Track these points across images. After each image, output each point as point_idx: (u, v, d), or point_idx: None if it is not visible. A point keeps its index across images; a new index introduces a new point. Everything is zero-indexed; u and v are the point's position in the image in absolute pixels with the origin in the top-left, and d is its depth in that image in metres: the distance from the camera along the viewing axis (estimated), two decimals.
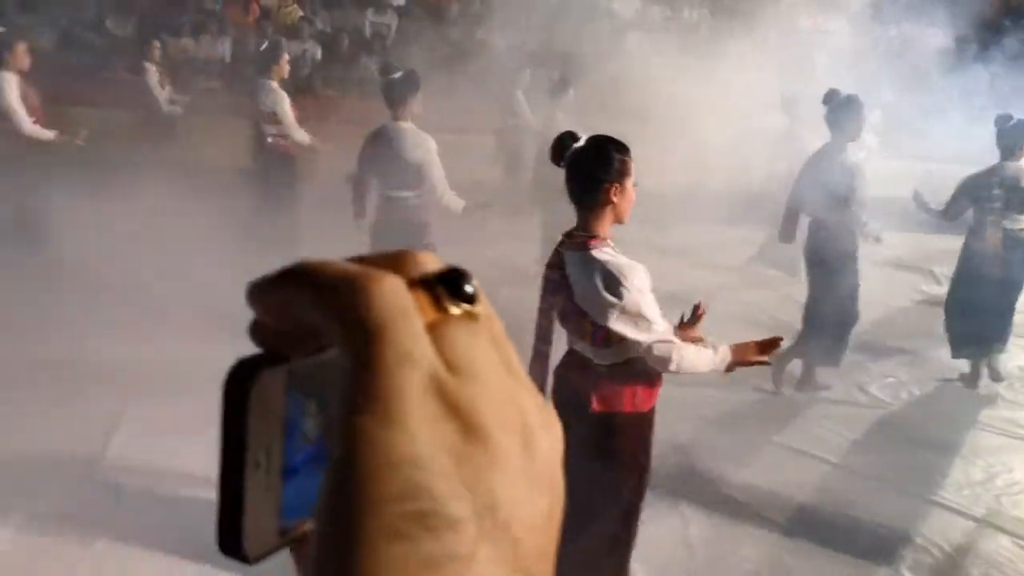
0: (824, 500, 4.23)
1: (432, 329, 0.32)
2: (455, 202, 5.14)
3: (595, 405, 2.66)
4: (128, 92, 8.89)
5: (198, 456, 4.06)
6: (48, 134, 6.32)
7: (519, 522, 0.32)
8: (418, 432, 0.31)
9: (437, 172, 5.01)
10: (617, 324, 2.56)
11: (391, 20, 12.06)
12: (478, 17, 12.06)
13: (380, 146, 5.04)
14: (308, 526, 0.35)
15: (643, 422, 2.75)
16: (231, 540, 0.33)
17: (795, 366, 5.44)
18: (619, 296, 2.55)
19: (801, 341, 5.37)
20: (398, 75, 5.03)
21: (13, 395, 4.63)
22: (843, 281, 5.22)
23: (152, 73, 7.90)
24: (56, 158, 6.38)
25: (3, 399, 4.58)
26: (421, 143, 4.97)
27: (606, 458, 2.67)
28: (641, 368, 2.63)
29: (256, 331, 0.36)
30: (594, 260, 2.59)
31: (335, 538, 0.30)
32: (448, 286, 0.34)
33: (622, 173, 2.65)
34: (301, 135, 6.54)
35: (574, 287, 2.63)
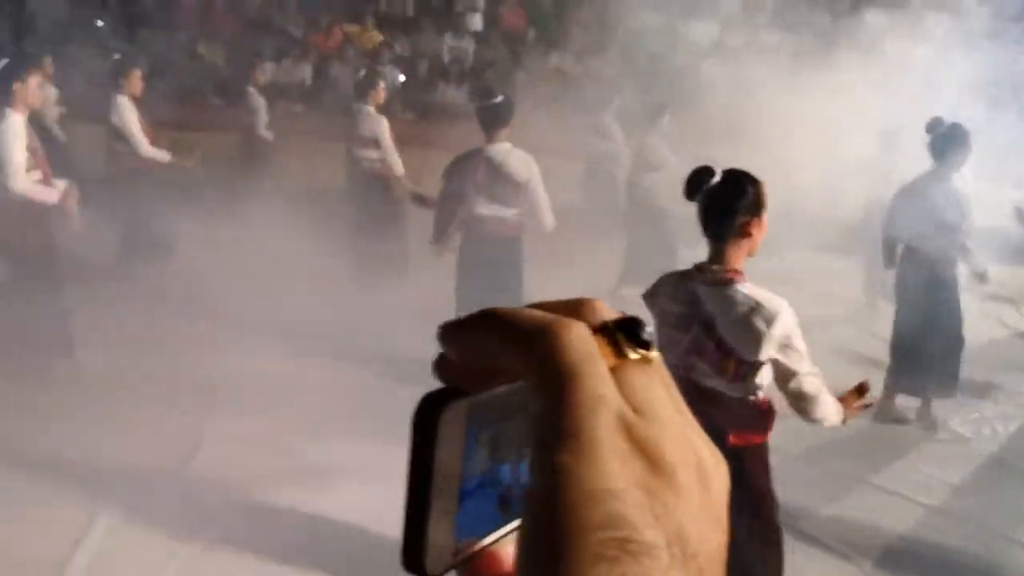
0: (914, 540, 4.13)
1: (613, 373, 0.36)
2: (550, 221, 5.28)
3: (732, 439, 2.69)
4: (220, 116, 9.21)
5: (278, 467, 4.18)
6: (165, 156, 6.60)
7: (704, 555, 0.35)
8: (613, 467, 0.34)
9: (542, 190, 5.17)
10: (770, 357, 2.61)
11: (468, 45, 12.24)
12: (554, 43, 12.17)
13: (478, 167, 5.15)
14: (477, 546, 0.39)
15: (767, 452, 2.82)
16: (415, 558, 0.37)
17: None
18: (773, 330, 2.59)
19: (899, 375, 5.26)
20: (499, 99, 5.19)
21: (114, 403, 4.86)
22: (944, 310, 5.14)
23: (255, 97, 8.18)
24: (164, 179, 6.66)
25: (103, 407, 4.81)
26: (527, 162, 5.14)
27: (743, 490, 2.70)
28: (764, 399, 2.71)
29: (441, 367, 0.40)
30: (743, 295, 2.63)
31: (545, 562, 0.33)
32: (626, 333, 0.37)
33: (759, 206, 2.68)
34: (397, 160, 6.73)
35: (718, 322, 2.65)
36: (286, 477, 4.27)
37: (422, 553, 0.37)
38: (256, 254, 6.56)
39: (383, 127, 6.74)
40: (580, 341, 0.35)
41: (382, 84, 6.93)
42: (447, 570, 0.38)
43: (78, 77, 8.11)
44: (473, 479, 0.38)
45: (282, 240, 6.48)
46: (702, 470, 0.36)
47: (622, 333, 0.37)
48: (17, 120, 4.89)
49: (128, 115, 6.44)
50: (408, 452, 0.37)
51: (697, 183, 2.69)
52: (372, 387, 5.42)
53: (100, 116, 6.74)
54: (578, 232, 7.42)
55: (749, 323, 2.59)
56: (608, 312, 0.38)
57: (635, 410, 0.35)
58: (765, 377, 2.68)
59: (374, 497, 4.16)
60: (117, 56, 6.82)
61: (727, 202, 2.66)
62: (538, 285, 5.28)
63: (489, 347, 0.37)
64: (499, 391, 0.38)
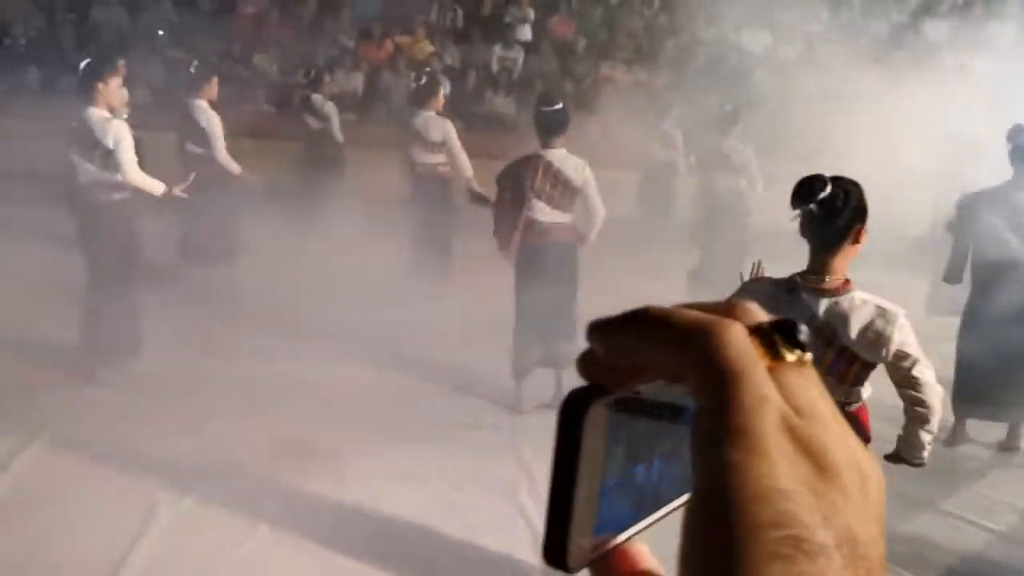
0: (979, 564, 4.04)
1: (770, 374, 0.36)
2: (598, 226, 5.31)
3: None
4: (276, 124, 9.34)
5: (327, 470, 4.24)
6: (236, 168, 6.73)
7: (872, 558, 0.35)
8: (781, 467, 0.34)
9: (597, 196, 5.21)
10: (894, 360, 2.70)
11: (518, 55, 12.28)
12: (604, 52, 12.16)
13: (534, 171, 5.18)
14: (612, 543, 0.39)
15: None
16: (557, 553, 0.37)
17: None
18: (897, 331, 2.67)
19: (970, 398, 5.10)
20: (558, 106, 5.24)
21: (174, 403, 4.98)
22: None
23: (326, 105, 8.33)
24: (232, 184, 6.80)
25: (165, 406, 4.92)
26: (581, 167, 5.18)
27: None
28: (863, 409, 2.79)
29: (585, 364, 0.40)
30: (861, 301, 2.70)
31: (717, 559, 0.33)
32: (783, 334, 0.37)
33: (866, 212, 2.71)
34: (466, 160, 6.81)
35: (839, 331, 2.69)
36: (337, 478, 4.32)
37: (565, 549, 0.37)
38: (316, 260, 6.68)
39: (450, 129, 6.81)
40: (741, 341, 0.35)
41: (442, 90, 7.00)
42: (584, 566, 0.39)
43: (140, 83, 8.31)
44: (611, 477, 0.39)
45: (342, 247, 6.57)
46: (862, 473, 0.36)
47: (779, 335, 0.37)
48: (121, 121, 5.05)
49: (214, 119, 6.59)
50: (553, 447, 0.38)
51: (810, 192, 2.68)
52: (420, 393, 5.46)
53: (154, 121, 6.89)
54: (634, 241, 7.42)
55: (876, 327, 2.66)
56: (761, 314, 0.38)
57: (795, 411, 0.35)
58: (868, 388, 2.74)
59: (422, 499, 4.20)
60: (196, 63, 6.97)
61: (841, 210, 2.67)
62: (596, 293, 5.28)
63: (643, 345, 0.37)
64: (639, 389, 0.39)
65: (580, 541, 0.37)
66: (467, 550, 3.91)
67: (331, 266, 6.53)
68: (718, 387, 0.35)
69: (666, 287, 6.70)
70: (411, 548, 3.84)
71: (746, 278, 3.06)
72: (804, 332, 0.38)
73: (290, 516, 3.98)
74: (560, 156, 5.19)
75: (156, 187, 5.24)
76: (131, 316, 5.31)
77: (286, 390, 5.18)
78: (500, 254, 5.41)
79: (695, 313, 0.37)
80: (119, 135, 5.02)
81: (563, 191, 5.17)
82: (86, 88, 5.09)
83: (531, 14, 12.63)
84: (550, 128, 5.18)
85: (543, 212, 5.21)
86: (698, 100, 7.87)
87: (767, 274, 3.05)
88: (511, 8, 12.68)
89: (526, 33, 12.56)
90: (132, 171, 5.10)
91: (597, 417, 0.37)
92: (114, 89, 5.09)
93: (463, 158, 6.81)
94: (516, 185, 5.26)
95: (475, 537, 3.98)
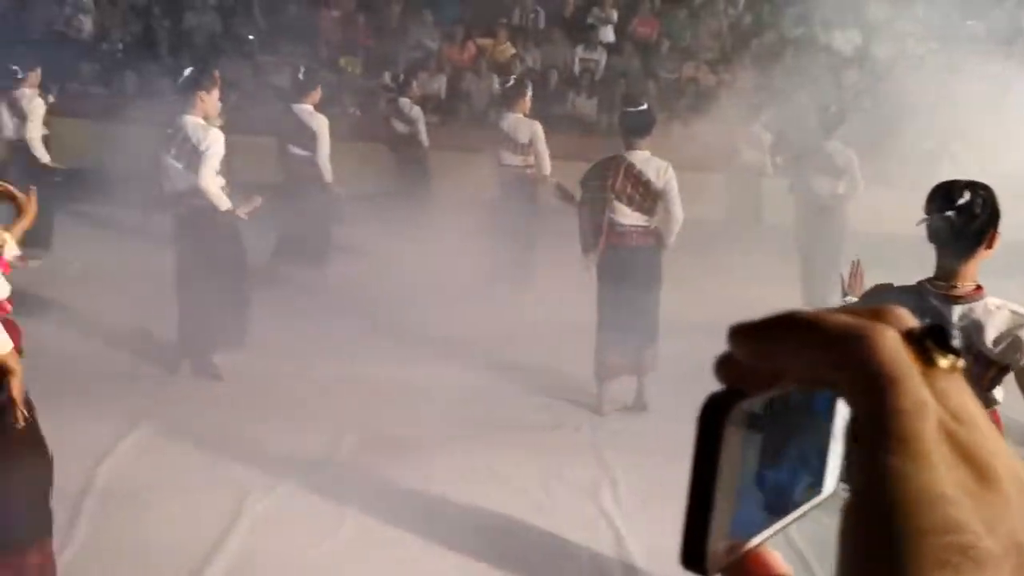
0: None
1: (923, 379, 0.35)
2: (676, 230, 5.25)
3: None
4: (361, 127, 9.50)
5: (414, 467, 4.30)
6: (330, 174, 6.89)
7: None
8: (942, 472, 0.33)
9: (678, 200, 5.15)
10: None
11: (600, 56, 12.24)
12: (689, 52, 12.03)
13: (616, 173, 5.16)
14: (746, 547, 0.39)
15: None
16: (695, 556, 0.38)
17: None
18: None
19: None
20: (643, 107, 5.23)
21: (275, 399, 5.15)
22: None
23: (414, 108, 8.47)
24: (326, 187, 6.95)
25: (265, 401, 5.09)
26: (663, 170, 5.13)
27: None
28: (996, 413, 2.74)
29: (724, 367, 0.39)
30: (996, 306, 2.68)
31: (880, 564, 0.33)
32: (935, 340, 0.36)
33: (999, 219, 2.69)
34: (547, 160, 6.87)
35: (974, 337, 2.66)
36: (423, 476, 4.38)
37: (703, 552, 0.38)
38: (404, 262, 6.79)
39: (538, 130, 6.88)
40: (896, 346, 0.35)
41: (529, 92, 7.05)
42: (721, 570, 0.39)
43: (230, 88, 8.54)
44: (746, 480, 0.39)
45: (429, 248, 6.67)
46: (1020, 481, 0.35)
47: (932, 340, 0.37)
48: (216, 130, 5.21)
49: (324, 124, 6.77)
50: (693, 450, 0.38)
51: (948, 199, 2.65)
52: (502, 393, 5.49)
53: (238, 123, 7.08)
54: (722, 244, 7.33)
55: (1013, 332, 2.64)
56: (911, 319, 0.38)
57: (952, 417, 0.35)
58: (1000, 391, 2.73)
59: (506, 498, 4.22)
60: (303, 69, 7.16)
61: (978, 215, 2.64)
62: (685, 296, 5.24)
63: (790, 349, 0.37)
64: (777, 393, 0.39)
65: (716, 544, 0.38)
66: (552, 549, 3.92)
67: (418, 268, 6.64)
68: (875, 392, 0.35)
69: (759, 291, 6.60)
70: (496, 545, 3.86)
71: (846, 279, 3.00)
72: (956, 338, 0.38)
73: (378, 511, 4.05)
74: (643, 158, 5.15)
75: (223, 202, 5.29)
76: (232, 312, 5.45)
77: (375, 389, 5.29)
78: (584, 256, 5.40)
79: (846, 317, 0.36)
80: (211, 143, 5.16)
81: (644, 193, 5.13)
82: (186, 96, 5.26)
83: (614, 15, 12.58)
84: (634, 130, 5.16)
85: (624, 214, 5.17)
86: (788, 101, 7.70)
87: (864, 275, 2.99)
88: (594, 9, 12.64)
89: (608, 34, 12.51)
90: (207, 179, 5.19)
91: (736, 420, 0.38)
92: (212, 99, 5.25)
93: (546, 159, 6.88)
94: (598, 187, 5.25)
95: (559, 537, 3.98)
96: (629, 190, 5.13)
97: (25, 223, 3.29)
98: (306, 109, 6.81)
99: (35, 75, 7.11)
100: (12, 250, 3.23)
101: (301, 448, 4.59)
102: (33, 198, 3.30)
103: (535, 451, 4.76)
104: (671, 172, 5.13)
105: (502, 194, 7.00)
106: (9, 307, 3.07)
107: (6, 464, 3.07)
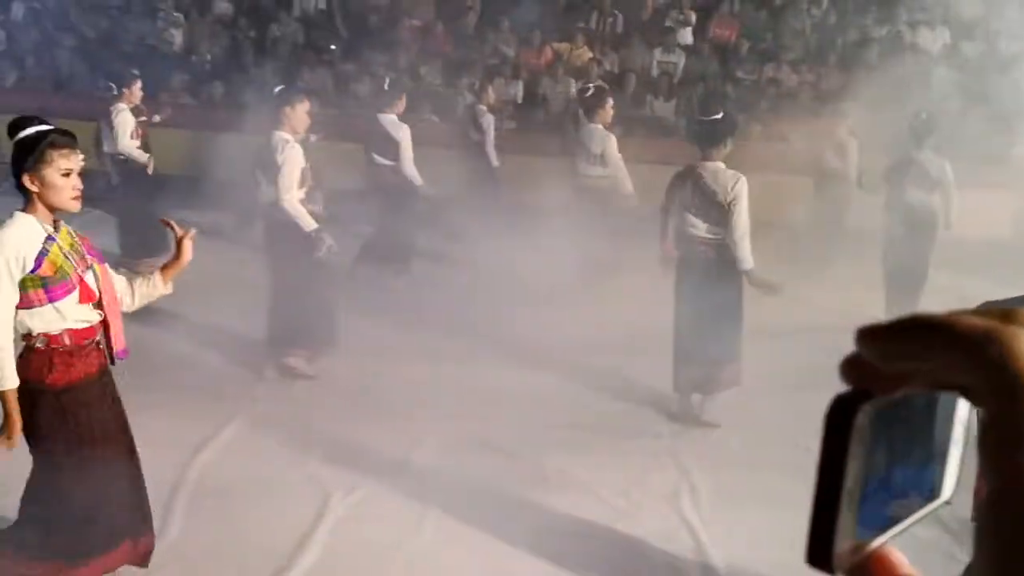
0: None
1: None
2: (740, 244, 5.00)
3: None
4: (439, 133, 9.61)
5: (494, 470, 4.32)
6: (419, 179, 7.02)
7: None
8: None
9: (743, 216, 4.93)
10: None
11: (678, 59, 12.12)
12: (770, 53, 11.82)
13: (688, 185, 5.08)
14: (870, 547, 0.39)
15: None
16: (822, 555, 0.38)
17: None
18: None
19: None
20: (716, 116, 5.05)
21: (360, 400, 5.28)
22: None
23: (486, 116, 8.55)
24: (409, 193, 7.06)
25: (350, 402, 5.22)
26: (732, 183, 4.94)
27: None
28: None
29: (851, 368, 0.39)
30: None
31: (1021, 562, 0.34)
32: None
33: None
34: (626, 176, 6.87)
35: None
36: (503, 479, 4.41)
37: (830, 550, 0.38)
38: (484, 267, 6.85)
39: (611, 143, 6.86)
40: None
41: (611, 101, 7.04)
42: (847, 570, 0.39)
43: (313, 97, 8.73)
44: (872, 480, 0.39)
45: (508, 254, 6.72)
46: None
47: None
48: (295, 146, 5.32)
49: (407, 133, 6.93)
50: (820, 451, 0.38)
51: None
52: (582, 399, 5.49)
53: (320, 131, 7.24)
54: (808, 251, 7.18)
55: None
56: None
57: None
58: None
59: (585, 503, 4.21)
60: (389, 79, 7.31)
61: None
62: (769, 305, 5.14)
63: (921, 351, 0.38)
64: (903, 395, 0.39)
65: (843, 543, 0.38)
66: (632, 555, 3.90)
67: (499, 273, 6.67)
68: (1010, 394, 0.35)
69: (845, 299, 6.47)
70: (576, 550, 3.86)
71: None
72: None
73: (459, 512, 4.09)
74: (712, 170, 4.98)
75: (308, 223, 5.37)
76: (321, 316, 5.56)
77: (457, 392, 5.35)
78: (663, 264, 5.35)
79: (979, 320, 0.37)
80: (287, 159, 5.26)
81: (711, 205, 4.97)
82: (274, 112, 5.42)
83: (692, 17, 12.44)
84: (706, 140, 5.02)
85: (695, 226, 5.05)
86: (874, 105, 7.48)
87: None
88: (672, 12, 12.54)
89: (687, 37, 12.38)
90: (286, 198, 5.28)
91: (863, 421, 0.38)
92: (300, 114, 5.36)
93: (624, 174, 6.86)
94: (674, 197, 5.18)
95: (640, 543, 3.96)
96: (698, 202, 5.00)
97: (180, 266, 3.25)
98: (390, 119, 6.94)
99: (131, 92, 7.32)
100: (157, 290, 3.26)
101: (383, 449, 4.67)
102: (190, 242, 3.22)
103: (615, 457, 4.75)
104: (740, 186, 4.90)
105: (579, 202, 6.99)
106: (87, 338, 3.14)
107: (104, 465, 3.21)
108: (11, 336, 2.99)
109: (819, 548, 0.38)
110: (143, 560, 3.42)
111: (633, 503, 4.29)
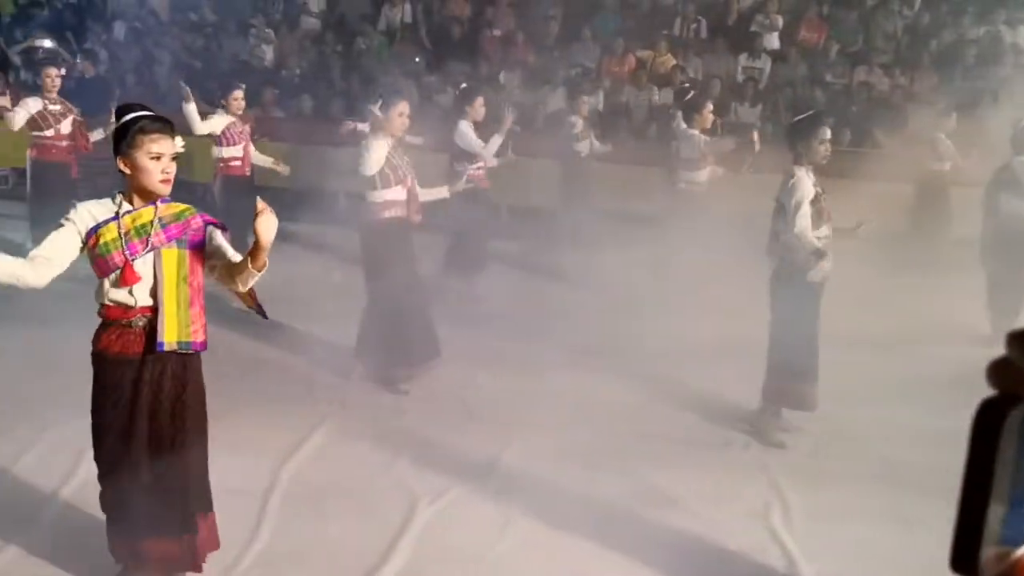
0: None
1: None
2: (796, 252, 4.87)
3: None
4: (521, 141, 9.69)
5: (579, 479, 4.30)
6: (494, 161, 7.18)
7: None
8: None
9: (799, 222, 4.75)
10: None
11: (764, 64, 11.93)
12: (860, 56, 11.53)
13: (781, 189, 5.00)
14: (1016, 555, 0.38)
15: None
16: (967, 560, 0.37)
17: None
18: None
19: None
20: (804, 116, 5.01)
21: (446, 407, 5.32)
22: None
23: (578, 125, 8.60)
24: (489, 198, 7.16)
25: (437, 409, 5.29)
26: (793, 189, 4.79)
27: None
28: None
29: (1000, 372, 0.38)
30: None
31: None
32: None
33: None
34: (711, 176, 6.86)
35: None
36: (589, 488, 4.39)
37: (975, 556, 0.38)
38: (571, 274, 6.87)
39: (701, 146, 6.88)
40: None
41: (709, 106, 7.01)
42: (992, 574, 0.38)
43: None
44: (1019, 488, 0.38)
45: (595, 261, 6.72)
46: None
47: None
48: (378, 144, 5.42)
49: (472, 137, 7.00)
50: (967, 455, 0.38)
51: None
52: (670, 409, 5.44)
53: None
54: (908, 259, 7.00)
55: None
56: None
57: None
58: None
59: (674, 516, 4.16)
60: (464, 85, 7.41)
61: None
62: (873, 313, 5.02)
63: None
64: None
65: (989, 548, 0.38)
66: (721, 569, 3.84)
67: (584, 280, 6.69)
68: None
69: (948, 308, 6.26)
70: (663, 561, 3.81)
71: None
72: None
73: (543, 519, 4.09)
74: (787, 174, 4.86)
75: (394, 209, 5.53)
76: (418, 326, 5.61)
77: (545, 401, 5.37)
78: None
79: None
80: (366, 159, 5.38)
81: (785, 213, 4.81)
82: (372, 118, 5.58)
83: (779, 21, 12.22)
84: (793, 141, 4.91)
85: (782, 232, 4.91)
86: (971, 106, 7.23)
87: None
88: (758, 17, 12.33)
89: (773, 41, 12.16)
90: (368, 188, 5.48)
91: (1012, 426, 0.37)
92: (392, 118, 5.47)
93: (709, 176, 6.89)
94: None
95: (730, 555, 3.90)
96: (778, 208, 4.90)
97: (261, 245, 2.98)
98: (463, 125, 7.02)
99: (233, 101, 7.48)
100: (251, 279, 3.14)
101: (470, 455, 4.70)
102: (263, 218, 2.92)
103: (703, 468, 4.69)
104: (798, 191, 4.72)
105: (675, 208, 6.98)
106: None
107: (183, 451, 3.31)
108: (25, 262, 3.05)
109: (964, 553, 0.38)
110: (191, 563, 3.40)
111: (722, 515, 4.22)
